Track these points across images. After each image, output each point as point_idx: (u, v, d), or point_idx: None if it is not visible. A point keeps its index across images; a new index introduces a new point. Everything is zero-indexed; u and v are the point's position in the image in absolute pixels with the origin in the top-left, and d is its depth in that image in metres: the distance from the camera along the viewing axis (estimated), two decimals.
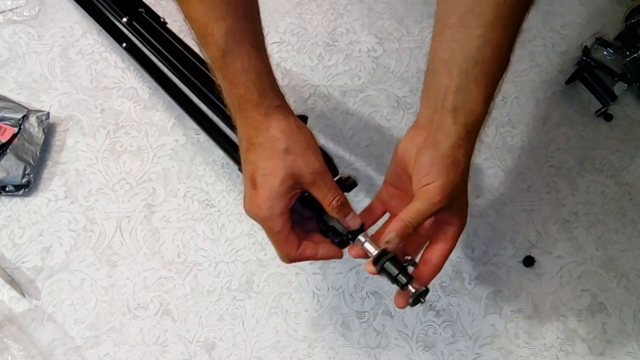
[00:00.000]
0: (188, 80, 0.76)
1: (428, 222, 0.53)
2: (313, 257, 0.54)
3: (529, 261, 0.75)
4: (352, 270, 0.75)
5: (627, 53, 0.86)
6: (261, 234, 0.76)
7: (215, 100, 0.72)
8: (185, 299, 0.73)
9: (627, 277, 0.76)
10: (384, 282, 0.74)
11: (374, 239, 0.53)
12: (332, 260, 0.75)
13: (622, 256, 0.77)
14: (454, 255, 0.76)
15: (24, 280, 0.73)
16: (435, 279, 0.74)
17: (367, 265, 0.52)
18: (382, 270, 0.50)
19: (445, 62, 0.50)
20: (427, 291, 0.51)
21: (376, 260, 0.50)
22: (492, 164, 0.82)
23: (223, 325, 0.72)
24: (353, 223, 0.53)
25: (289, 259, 0.54)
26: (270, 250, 0.76)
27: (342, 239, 0.54)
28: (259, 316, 0.73)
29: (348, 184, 0.57)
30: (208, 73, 0.75)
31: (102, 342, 0.71)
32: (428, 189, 0.49)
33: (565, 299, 0.74)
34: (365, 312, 0.73)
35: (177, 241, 0.76)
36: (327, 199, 0.51)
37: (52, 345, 0.70)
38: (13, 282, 0.72)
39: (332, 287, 0.74)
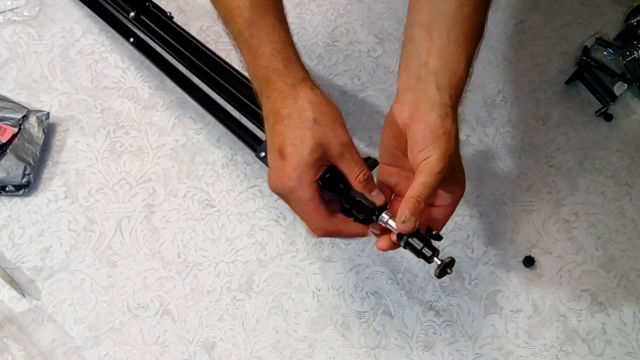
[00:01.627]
0: (199, 70, 0.76)
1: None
2: (342, 232, 0.54)
3: (529, 261, 0.75)
4: (352, 270, 0.75)
5: (627, 53, 0.86)
6: (261, 234, 0.76)
7: (228, 87, 0.73)
8: (185, 299, 0.73)
9: (627, 277, 0.76)
10: (384, 282, 0.74)
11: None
12: (333, 260, 0.75)
13: (622, 256, 0.77)
14: (453, 255, 0.76)
15: (24, 280, 0.73)
16: (435, 279, 0.74)
17: (382, 242, 0.52)
18: (407, 245, 0.51)
19: (425, 26, 0.51)
20: (453, 261, 0.51)
21: (399, 236, 0.51)
22: (492, 164, 0.82)
23: (223, 325, 0.72)
24: (378, 199, 0.53)
25: (321, 230, 0.53)
26: (270, 250, 0.76)
27: (368, 214, 0.53)
28: (259, 316, 0.73)
29: (369, 163, 0.57)
30: (220, 62, 0.75)
31: (102, 342, 0.71)
32: (428, 162, 0.50)
33: (565, 299, 0.74)
34: (365, 312, 0.73)
35: (177, 241, 0.76)
36: (354, 172, 0.51)
37: (52, 345, 0.70)
38: (13, 282, 0.72)
39: (332, 287, 0.74)
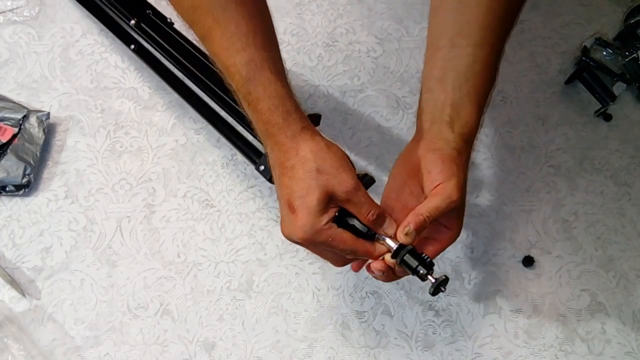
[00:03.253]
0: (199, 80, 0.76)
1: None
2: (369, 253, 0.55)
3: (528, 261, 0.75)
4: (351, 270, 0.75)
5: (627, 53, 0.86)
6: (261, 234, 0.77)
7: (227, 99, 0.73)
8: (185, 298, 0.73)
9: (627, 277, 0.76)
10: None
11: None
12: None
13: (621, 256, 0.77)
14: (453, 255, 0.77)
15: (24, 280, 0.73)
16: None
17: (377, 263, 0.53)
18: (402, 262, 0.52)
19: (439, 80, 0.55)
20: (447, 280, 0.53)
21: (395, 254, 0.52)
22: (492, 164, 0.82)
23: (223, 325, 0.72)
24: (389, 231, 0.54)
25: (345, 263, 0.56)
26: (270, 250, 0.76)
27: (365, 236, 0.54)
28: (258, 316, 0.73)
29: (365, 181, 0.58)
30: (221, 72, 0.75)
31: (102, 342, 0.71)
32: (445, 186, 0.51)
33: (564, 299, 0.75)
34: (364, 312, 0.73)
35: (177, 241, 0.76)
36: (362, 214, 0.52)
37: (52, 345, 0.70)
38: (13, 282, 0.72)
39: (331, 287, 0.74)
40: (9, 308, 0.72)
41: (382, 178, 0.79)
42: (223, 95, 0.73)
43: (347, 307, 0.73)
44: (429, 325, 0.73)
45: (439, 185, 0.52)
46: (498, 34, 0.55)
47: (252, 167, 0.80)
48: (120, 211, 0.77)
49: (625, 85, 0.84)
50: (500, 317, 0.73)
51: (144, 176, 0.80)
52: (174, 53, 0.78)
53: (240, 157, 0.81)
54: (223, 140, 0.82)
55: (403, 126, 0.84)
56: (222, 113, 0.76)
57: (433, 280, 0.52)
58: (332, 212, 0.52)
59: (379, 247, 0.54)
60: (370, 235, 0.54)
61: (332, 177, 0.51)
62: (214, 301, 0.73)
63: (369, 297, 0.74)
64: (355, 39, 0.90)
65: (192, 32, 0.56)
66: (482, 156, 0.82)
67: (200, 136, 0.82)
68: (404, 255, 0.52)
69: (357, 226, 0.53)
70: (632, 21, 0.88)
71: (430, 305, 0.74)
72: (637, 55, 0.85)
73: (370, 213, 0.52)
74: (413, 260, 0.52)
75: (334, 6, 0.92)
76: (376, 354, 0.71)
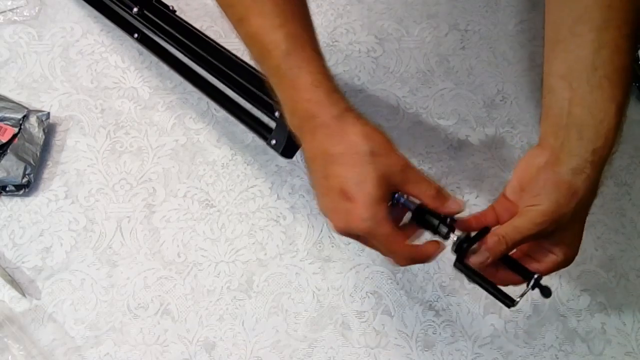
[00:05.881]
0: (206, 62, 0.76)
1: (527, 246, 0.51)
2: (428, 255, 0.50)
3: None
4: (352, 270, 0.75)
5: None
6: (261, 234, 0.77)
7: (236, 77, 0.72)
8: (185, 298, 0.73)
9: (627, 277, 0.76)
10: (383, 281, 0.74)
11: None
12: (332, 259, 0.75)
13: (621, 256, 0.77)
14: (452, 255, 0.76)
15: (24, 280, 0.73)
16: (434, 279, 0.74)
17: (431, 247, 0.50)
18: (421, 221, 0.50)
19: (563, 76, 0.48)
20: (469, 237, 0.49)
21: (417, 212, 0.49)
22: (492, 164, 0.82)
23: (223, 325, 0.72)
24: (455, 205, 0.49)
25: (407, 259, 0.50)
26: (270, 250, 0.76)
27: (443, 222, 0.50)
28: (258, 316, 0.73)
29: None
30: (227, 53, 0.75)
31: (102, 342, 0.71)
32: (532, 209, 0.47)
33: (564, 299, 0.75)
34: (364, 312, 0.73)
35: (177, 241, 0.76)
36: (423, 191, 0.49)
37: (52, 345, 0.70)
38: (13, 282, 0.72)
39: (331, 286, 0.74)
40: (9, 308, 0.72)
41: None
42: (231, 74, 0.73)
43: (347, 307, 0.73)
44: (429, 325, 0.73)
45: (528, 206, 0.48)
46: (624, 13, 0.47)
47: (252, 167, 0.80)
48: (120, 211, 0.77)
49: None
50: (501, 317, 0.73)
51: (144, 176, 0.80)
52: (180, 37, 0.77)
53: (240, 157, 0.81)
54: (223, 140, 0.82)
55: (403, 126, 0.84)
56: (230, 93, 0.76)
57: (455, 239, 0.49)
58: (388, 200, 0.48)
59: (431, 246, 0.50)
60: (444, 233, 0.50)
61: (385, 158, 0.47)
62: (214, 301, 0.73)
63: (369, 297, 0.74)
64: (355, 39, 0.90)
65: (227, 18, 0.52)
66: (482, 156, 0.82)
67: (200, 136, 0.82)
68: (425, 214, 0.49)
69: (434, 223, 0.50)
70: None
71: (431, 305, 0.74)
72: (638, 55, 0.85)
73: (431, 187, 0.48)
74: (434, 219, 0.49)
75: (334, 6, 0.92)
76: (376, 354, 0.71)
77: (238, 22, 0.51)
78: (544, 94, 0.50)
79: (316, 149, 0.49)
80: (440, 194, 0.49)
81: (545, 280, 0.47)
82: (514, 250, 0.51)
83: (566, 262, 0.51)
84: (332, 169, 0.47)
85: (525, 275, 0.49)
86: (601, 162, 0.48)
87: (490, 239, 0.48)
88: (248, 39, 0.51)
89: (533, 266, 0.51)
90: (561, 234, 0.49)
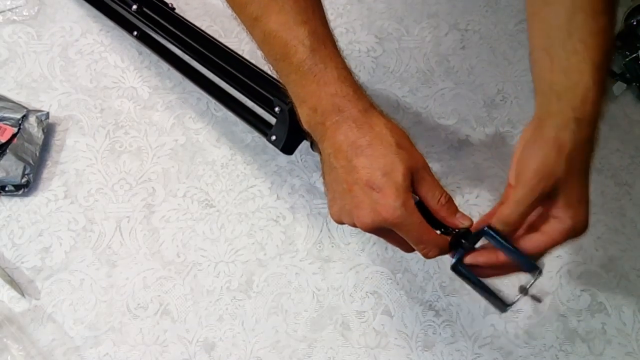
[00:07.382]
0: (206, 59, 0.76)
1: (532, 216, 0.50)
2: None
3: None
4: (351, 270, 0.75)
5: (627, 53, 0.86)
6: (261, 234, 0.76)
7: (236, 74, 0.72)
8: (184, 299, 0.73)
9: (627, 277, 0.76)
10: (383, 281, 0.74)
11: None
12: (332, 260, 0.75)
13: (622, 256, 0.77)
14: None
15: (23, 280, 0.73)
16: (434, 279, 0.74)
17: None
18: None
19: (541, 47, 0.49)
20: (468, 231, 0.50)
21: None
22: (492, 164, 0.82)
23: (223, 325, 0.72)
24: (464, 220, 0.49)
25: (437, 248, 0.49)
26: (270, 250, 0.76)
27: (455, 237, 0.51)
28: (258, 316, 0.73)
29: None
30: (226, 49, 0.75)
31: (101, 342, 0.71)
32: (524, 174, 0.47)
33: (565, 299, 0.74)
34: (364, 312, 0.73)
35: (176, 241, 0.76)
36: (435, 196, 0.48)
37: (51, 345, 0.70)
38: (13, 282, 0.72)
39: (331, 287, 0.74)
40: (8, 308, 0.72)
41: None
42: (230, 70, 0.73)
43: (347, 307, 0.73)
44: (429, 325, 0.73)
45: (519, 172, 0.47)
46: None
47: (251, 167, 0.80)
48: (119, 211, 0.77)
49: (625, 85, 0.84)
50: (501, 317, 0.73)
51: (144, 176, 0.79)
52: (179, 34, 0.77)
53: (240, 157, 0.81)
54: (223, 140, 0.82)
55: (403, 126, 0.83)
56: (230, 90, 0.76)
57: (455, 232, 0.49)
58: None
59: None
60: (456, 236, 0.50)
61: (409, 152, 0.47)
62: (214, 301, 0.73)
63: (369, 297, 0.74)
64: (355, 39, 0.90)
65: (239, 18, 0.52)
66: (482, 156, 0.82)
67: (200, 136, 0.82)
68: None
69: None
70: (632, 21, 0.88)
71: (431, 305, 0.74)
72: (638, 55, 0.85)
73: (443, 195, 0.49)
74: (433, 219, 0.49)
75: (334, 6, 0.92)
76: (376, 354, 0.71)
77: (253, 21, 0.50)
78: (532, 69, 0.51)
79: (341, 142, 0.48)
80: (451, 203, 0.49)
81: (545, 280, 0.47)
82: (524, 225, 0.50)
83: (576, 228, 0.50)
84: (359, 161, 0.47)
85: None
86: (586, 118, 0.47)
87: (493, 220, 0.48)
88: (265, 38, 0.50)
89: (533, 237, 0.50)
90: (564, 194, 0.48)
